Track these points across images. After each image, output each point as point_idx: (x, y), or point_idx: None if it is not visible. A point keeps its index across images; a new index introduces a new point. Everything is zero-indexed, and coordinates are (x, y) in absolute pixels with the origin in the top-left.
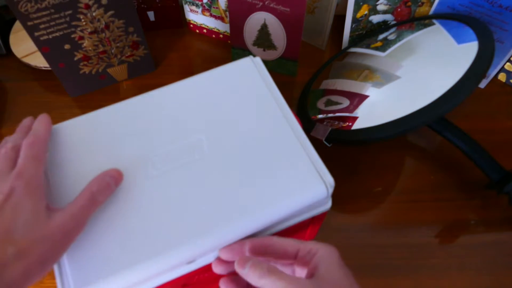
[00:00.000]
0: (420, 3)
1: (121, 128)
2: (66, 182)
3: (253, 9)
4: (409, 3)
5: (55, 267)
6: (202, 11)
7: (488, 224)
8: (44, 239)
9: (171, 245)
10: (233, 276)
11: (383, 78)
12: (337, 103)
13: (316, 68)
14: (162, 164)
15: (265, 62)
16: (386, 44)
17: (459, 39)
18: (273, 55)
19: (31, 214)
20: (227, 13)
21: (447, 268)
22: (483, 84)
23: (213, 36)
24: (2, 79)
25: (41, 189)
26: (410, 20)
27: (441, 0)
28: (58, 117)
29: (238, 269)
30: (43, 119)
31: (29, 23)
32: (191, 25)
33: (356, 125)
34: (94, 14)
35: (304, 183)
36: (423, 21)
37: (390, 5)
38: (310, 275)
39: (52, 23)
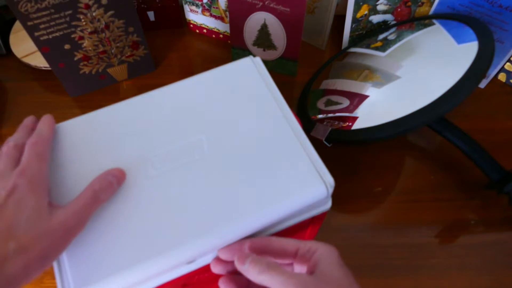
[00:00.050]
0: (420, 3)
1: (121, 128)
2: (65, 182)
3: (253, 9)
4: (409, 3)
5: (55, 267)
6: (202, 11)
7: (488, 224)
8: (46, 235)
9: (171, 245)
10: (232, 275)
11: (383, 78)
12: (337, 103)
13: (316, 68)
14: (162, 164)
15: (265, 62)
16: (386, 44)
17: (459, 39)
18: (273, 55)
19: (33, 210)
20: (227, 13)
21: (447, 268)
22: (483, 84)
23: (213, 36)
24: (2, 79)
25: (44, 187)
26: (410, 20)
27: (441, 0)
28: (58, 117)
29: (238, 265)
30: (47, 119)
31: (29, 23)
32: (191, 25)
33: (356, 125)
34: (94, 14)
35: (304, 183)
36: (423, 21)
37: (390, 5)
38: (310, 272)
39: (52, 23)
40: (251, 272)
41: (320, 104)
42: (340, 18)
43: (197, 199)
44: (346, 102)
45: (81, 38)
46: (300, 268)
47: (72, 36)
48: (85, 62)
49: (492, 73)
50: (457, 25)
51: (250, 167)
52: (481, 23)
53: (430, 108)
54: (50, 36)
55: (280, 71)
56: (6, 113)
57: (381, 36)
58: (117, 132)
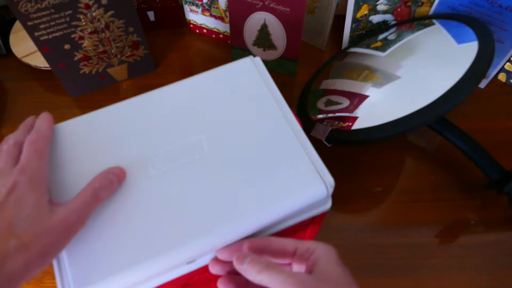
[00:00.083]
0: (420, 3)
1: (121, 128)
2: (66, 182)
3: (253, 9)
4: (409, 3)
5: (55, 267)
6: (202, 11)
7: (488, 224)
8: (46, 233)
9: (171, 245)
10: (231, 275)
11: (383, 78)
12: (337, 103)
13: (316, 68)
14: (162, 164)
15: (265, 62)
16: (386, 44)
17: (459, 39)
18: (273, 55)
19: (33, 208)
20: (227, 13)
21: (447, 268)
22: (483, 84)
23: (213, 36)
24: (2, 79)
25: (44, 184)
26: (410, 20)
27: (441, 0)
28: (58, 117)
29: (236, 265)
30: (45, 117)
31: (29, 23)
32: (191, 25)
33: (356, 125)
34: (94, 14)
35: (304, 183)
36: (423, 21)
37: (390, 5)
38: (309, 272)
39: (52, 23)
40: (249, 271)
41: (320, 104)
42: (340, 18)
43: (197, 199)
44: (346, 102)
45: (81, 38)
46: (298, 268)
47: (72, 36)
48: (85, 62)
49: (492, 73)
50: (457, 25)
51: (250, 167)
52: (481, 23)
53: (430, 108)
54: (50, 36)
55: (280, 71)
56: (6, 113)
57: (381, 36)
58: (117, 132)
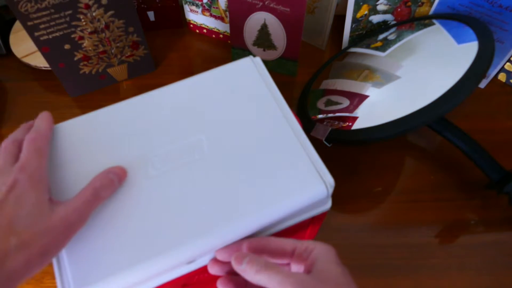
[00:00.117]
0: (420, 3)
1: (121, 128)
2: (66, 182)
3: (253, 9)
4: (409, 3)
5: (55, 267)
6: (202, 11)
7: (488, 224)
8: (46, 232)
9: (171, 245)
10: (230, 276)
11: (383, 78)
12: (337, 103)
13: (316, 68)
14: (162, 164)
15: (265, 62)
16: (386, 44)
17: (459, 39)
18: (273, 55)
19: (34, 206)
20: (227, 13)
21: (447, 268)
22: (483, 84)
23: (213, 36)
24: (2, 79)
25: (44, 182)
26: (410, 20)
27: (441, 0)
28: (58, 117)
29: (235, 265)
30: (44, 116)
31: (29, 23)
32: (191, 25)
33: (356, 125)
34: (94, 14)
35: (304, 183)
36: (423, 21)
37: (390, 5)
38: (307, 271)
39: (52, 23)
40: (248, 271)
41: (320, 104)
42: (340, 18)
43: (197, 199)
44: (346, 102)
45: (81, 38)
46: (297, 268)
47: (72, 36)
48: (85, 62)
49: (492, 73)
50: (457, 25)
51: (250, 167)
52: (481, 23)
53: (430, 108)
54: (50, 36)
55: (280, 71)
56: (6, 113)
57: (381, 36)
58: (117, 132)
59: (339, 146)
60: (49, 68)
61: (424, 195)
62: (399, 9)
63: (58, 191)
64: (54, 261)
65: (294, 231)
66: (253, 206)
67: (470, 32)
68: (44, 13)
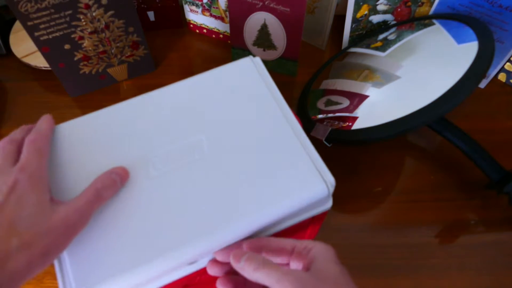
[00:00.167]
0: (420, 3)
1: (122, 129)
2: (67, 182)
3: (253, 9)
4: (409, 3)
5: (57, 269)
6: (202, 11)
7: (488, 224)
8: (48, 232)
9: (173, 246)
10: (230, 276)
11: (383, 78)
12: (337, 103)
13: (316, 68)
14: (163, 165)
15: (265, 62)
16: (386, 44)
17: (459, 39)
18: (273, 55)
19: (34, 206)
20: (227, 13)
21: (447, 268)
22: (483, 84)
23: (213, 36)
24: (2, 79)
25: (44, 182)
26: (410, 20)
27: (441, 0)
28: (58, 117)
29: (233, 263)
30: (45, 118)
31: (29, 23)
32: (191, 25)
33: (356, 125)
34: (94, 14)
35: (305, 182)
36: (423, 21)
37: (390, 5)
38: (306, 269)
39: (52, 23)
40: (246, 269)
41: (320, 104)
42: (340, 18)
43: (198, 199)
44: (346, 102)
45: (81, 38)
46: (296, 265)
47: (72, 36)
48: (85, 62)
49: (492, 73)
50: (457, 25)
51: (251, 167)
52: (481, 23)
53: (430, 108)
54: (50, 36)
55: (280, 71)
56: (6, 113)
57: (381, 36)
58: (118, 132)
59: (339, 146)
60: (49, 68)
61: (424, 195)
62: (399, 9)
63: (60, 191)
64: (56, 262)
65: (294, 230)
66: (255, 205)
67: (470, 32)
68: (44, 13)
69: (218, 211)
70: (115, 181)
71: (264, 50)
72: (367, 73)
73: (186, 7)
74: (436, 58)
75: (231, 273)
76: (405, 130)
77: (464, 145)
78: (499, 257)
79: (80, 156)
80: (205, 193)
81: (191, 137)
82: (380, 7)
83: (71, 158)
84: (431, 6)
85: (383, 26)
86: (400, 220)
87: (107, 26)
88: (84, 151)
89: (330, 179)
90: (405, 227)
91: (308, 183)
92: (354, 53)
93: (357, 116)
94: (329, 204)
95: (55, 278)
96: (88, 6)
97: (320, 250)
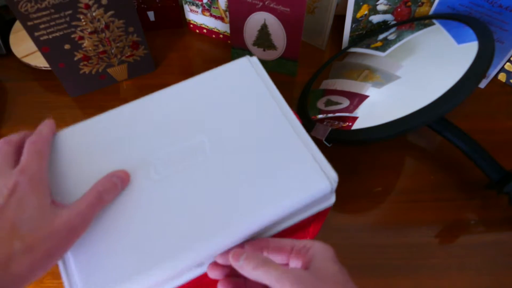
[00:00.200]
0: (420, 3)
1: (122, 132)
2: (69, 186)
3: (253, 9)
4: (409, 3)
5: (64, 276)
6: (202, 11)
7: (488, 224)
8: (50, 235)
9: (179, 250)
10: (231, 277)
11: (383, 78)
12: (337, 103)
13: (316, 68)
14: (165, 167)
15: (265, 62)
16: (386, 44)
17: (459, 39)
18: (273, 55)
19: (36, 209)
20: (227, 13)
21: (447, 268)
22: (483, 84)
23: (213, 36)
24: (2, 79)
25: (45, 185)
26: (410, 20)
27: (441, 0)
28: (58, 117)
29: (232, 262)
30: (46, 122)
31: (29, 23)
32: (191, 25)
33: (356, 125)
34: (94, 14)
35: (308, 179)
36: (423, 21)
37: (390, 5)
38: (305, 268)
39: (52, 23)
40: (245, 268)
41: (320, 104)
42: (340, 18)
43: (202, 201)
44: (346, 102)
45: (81, 38)
46: (295, 264)
47: (72, 36)
48: (85, 62)
49: (492, 73)
50: (457, 25)
51: (253, 167)
52: (481, 23)
53: (430, 108)
54: (50, 36)
55: (280, 71)
56: (6, 113)
57: (381, 36)
58: (118, 136)
59: (339, 146)
60: (49, 68)
61: (424, 195)
62: (399, 9)
63: (61, 194)
64: (61, 265)
65: (298, 228)
66: (259, 206)
67: (470, 32)
68: (44, 13)
69: (223, 213)
70: (116, 184)
71: (264, 50)
72: (367, 73)
73: (186, 7)
74: (436, 58)
75: (231, 276)
76: (405, 130)
77: (464, 145)
78: (499, 257)
79: (81, 160)
80: (209, 195)
81: (193, 139)
82: (380, 7)
83: (74, 162)
84: (431, 6)
85: (383, 26)
86: (400, 220)
87: (107, 26)
88: (85, 155)
89: (333, 175)
90: (405, 227)
91: (311, 179)
92: (354, 53)
93: (357, 116)
94: (332, 199)
95: (55, 278)
96: (88, 6)
97: (319, 249)
